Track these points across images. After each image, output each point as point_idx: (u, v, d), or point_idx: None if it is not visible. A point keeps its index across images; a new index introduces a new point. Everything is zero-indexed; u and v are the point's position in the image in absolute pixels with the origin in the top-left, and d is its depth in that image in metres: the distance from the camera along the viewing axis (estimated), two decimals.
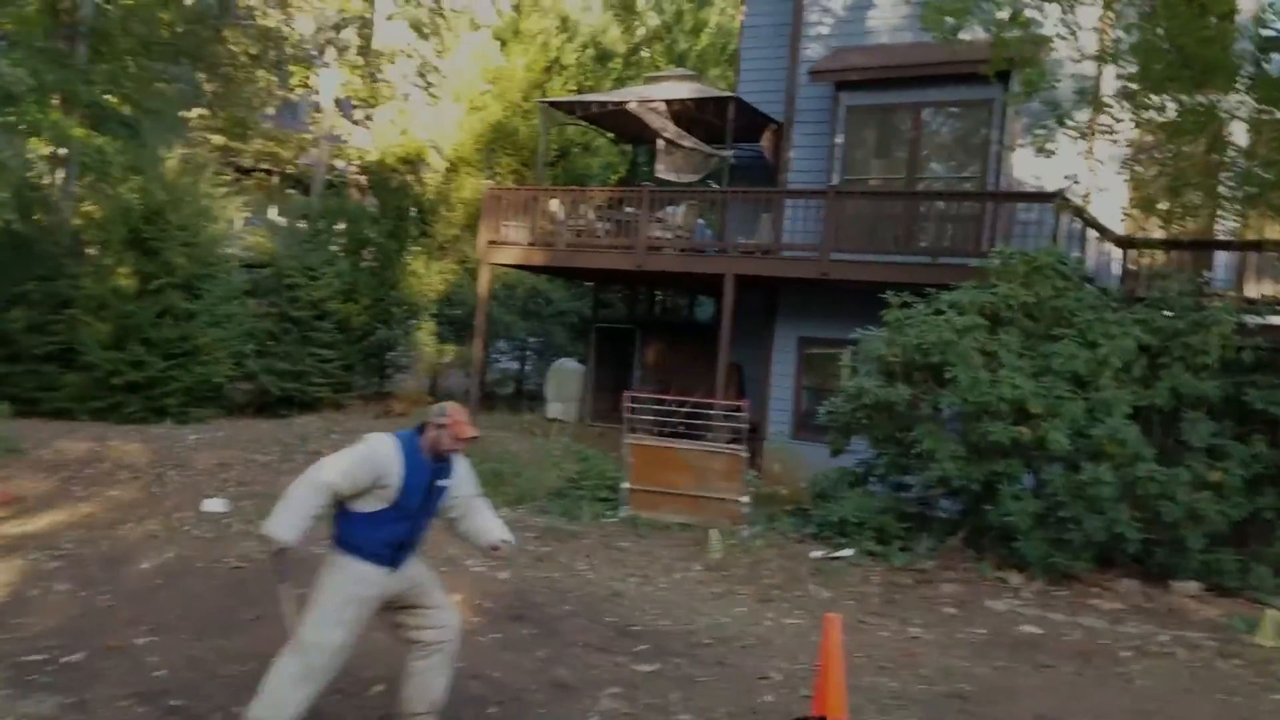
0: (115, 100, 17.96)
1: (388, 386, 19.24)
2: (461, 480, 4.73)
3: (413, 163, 21.58)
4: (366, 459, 4.38)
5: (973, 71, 11.44)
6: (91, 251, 15.99)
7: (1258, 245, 11.10)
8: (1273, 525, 8.24)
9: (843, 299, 12.99)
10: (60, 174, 16.94)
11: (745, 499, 9.89)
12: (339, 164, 24.64)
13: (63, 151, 16.60)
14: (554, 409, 17.68)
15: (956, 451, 8.78)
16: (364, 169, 22.86)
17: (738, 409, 10.91)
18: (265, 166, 25.68)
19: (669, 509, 10.12)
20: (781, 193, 13.31)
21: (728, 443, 10.81)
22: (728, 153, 14.34)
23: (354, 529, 4.44)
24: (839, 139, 13.47)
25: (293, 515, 4.30)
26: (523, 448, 14.18)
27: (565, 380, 17.99)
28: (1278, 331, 9.12)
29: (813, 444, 12.54)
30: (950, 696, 5.81)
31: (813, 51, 14.10)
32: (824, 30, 14.19)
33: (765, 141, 14.76)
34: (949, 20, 10.50)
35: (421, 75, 24.49)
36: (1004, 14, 10.63)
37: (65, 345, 14.48)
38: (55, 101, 15.83)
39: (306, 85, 24.05)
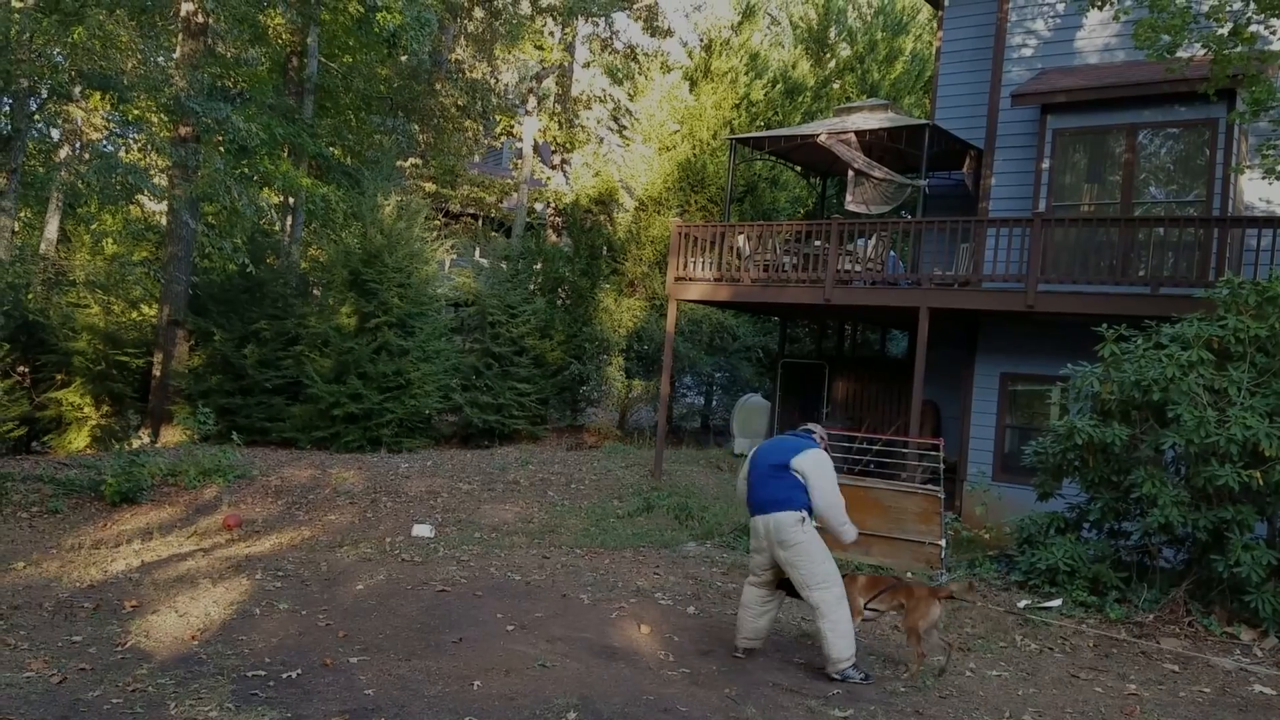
0: (338, 152, 19.50)
1: (580, 420, 19.71)
2: None
3: (605, 203, 22.21)
4: None
5: (1192, 90, 10.70)
6: (316, 292, 17.35)
7: None
8: None
9: (1050, 333, 12.33)
10: (289, 221, 18.50)
11: (943, 543, 9.49)
12: (538, 206, 25.70)
13: (291, 200, 18.16)
14: (740, 444, 17.61)
15: (1180, 496, 8.10)
16: (560, 210, 23.72)
17: (934, 448, 10.51)
18: (471, 211, 27.11)
19: (861, 550, 9.84)
20: (981, 221, 12.82)
21: (923, 483, 10.42)
22: (921, 182, 13.96)
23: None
24: (1045, 163, 12.86)
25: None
26: (709, 482, 14.19)
27: (751, 415, 17.91)
28: None
29: (1017, 486, 11.91)
30: None
31: (1015, 74, 13.58)
32: (1027, 52, 13.65)
33: (967, 168, 14.29)
34: (1164, 38, 9.89)
35: (615, 119, 25.24)
36: (1224, 30, 9.91)
37: (292, 379, 15.72)
38: (284, 154, 17.32)
39: (510, 133, 25.27)
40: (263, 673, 5.81)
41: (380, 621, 7.04)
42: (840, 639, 6.29)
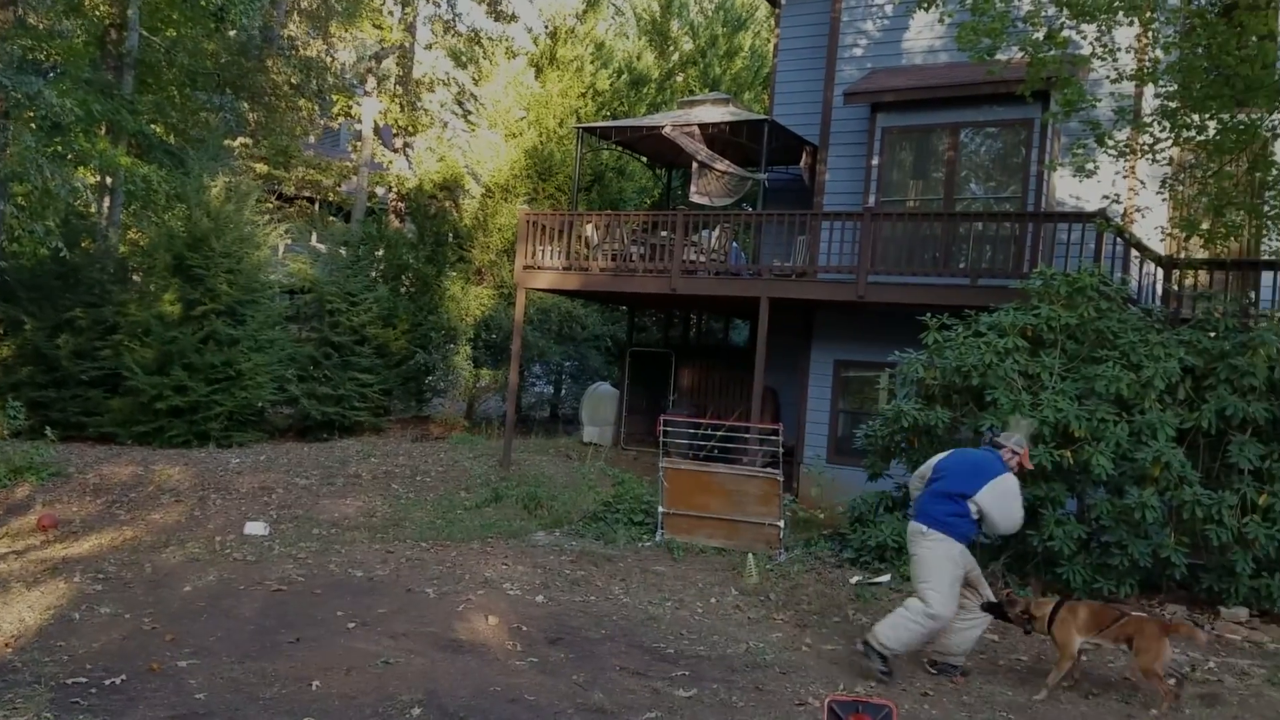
0: (160, 130, 18.37)
1: (426, 410, 19.35)
2: None
3: (450, 189, 21.80)
4: None
5: (1010, 92, 11.38)
6: (136, 278, 16.32)
7: None
8: None
9: (879, 322, 12.91)
10: (107, 202, 17.34)
11: (782, 523, 9.83)
12: (379, 191, 24.97)
13: (109, 180, 17.01)
14: (589, 433, 17.71)
15: None
16: (403, 196, 23.14)
17: (773, 433, 10.86)
18: (307, 194, 26.09)
19: (704, 533, 10.07)
20: (816, 215, 13.29)
21: (763, 467, 10.75)
22: (761, 175, 14.36)
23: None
24: (875, 160, 13.45)
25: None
26: (558, 471, 14.21)
27: (600, 404, 18.03)
28: None
29: (849, 468, 12.44)
30: None
31: (848, 73, 14.12)
32: (858, 52, 14.21)
33: (803, 164, 14.78)
34: (985, 40, 10.49)
35: (459, 103, 24.79)
36: (1040, 34, 10.60)
37: (111, 370, 14.76)
38: (102, 131, 16.20)
39: (348, 114, 24.44)
40: (84, 680, 5.48)
41: (211, 624, 6.73)
42: (902, 632, 6.28)
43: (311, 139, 25.55)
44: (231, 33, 19.57)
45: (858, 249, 12.28)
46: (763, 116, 14.72)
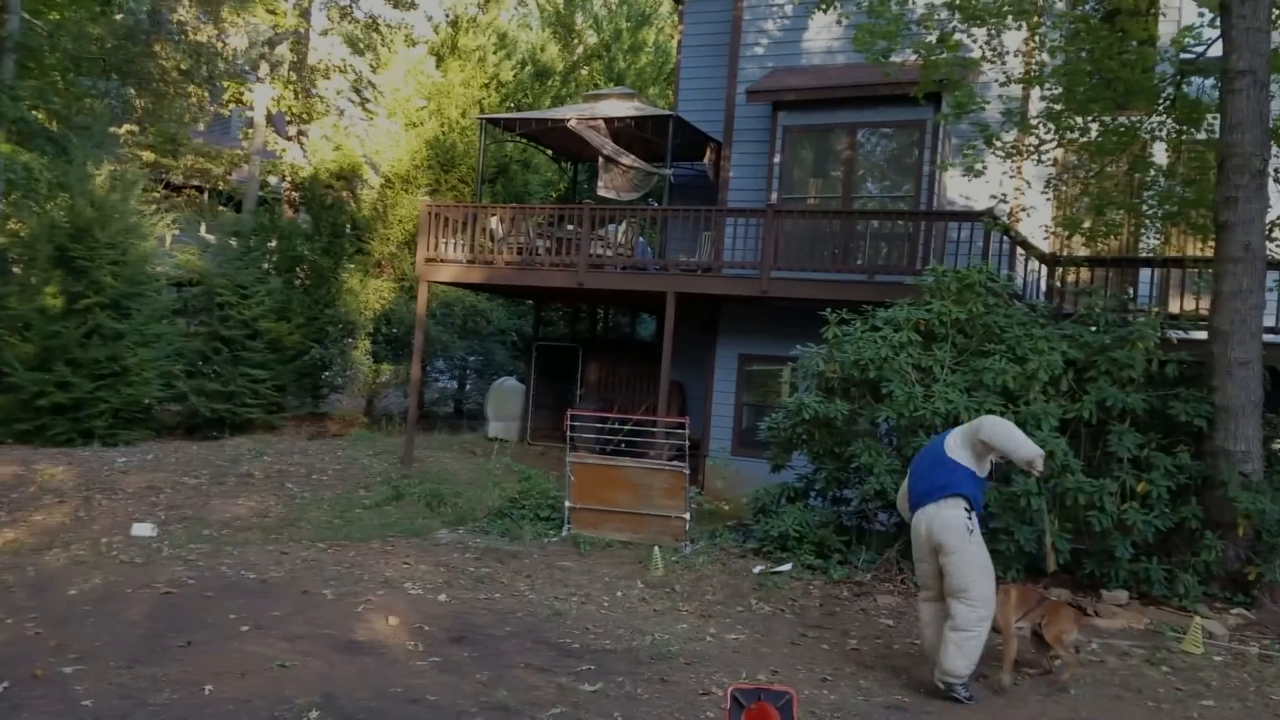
0: (43, 116, 17.49)
1: (322, 407, 18.93)
2: None
3: (348, 179, 21.32)
4: None
5: (904, 94, 11.71)
6: (16, 270, 15.52)
7: (1179, 262, 11.49)
8: (1197, 534, 8.49)
9: (782, 316, 13.13)
10: None
11: (687, 516, 9.92)
12: (272, 180, 24.25)
13: None
14: (494, 428, 17.56)
15: (892, 465, 8.92)
16: (297, 185, 22.50)
17: (680, 426, 10.95)
18: (196, 183, 25.20)
19: (611, 527, 10.10)
20: (720, 211, 13.44)
21: (670, 460, 10.84)
22: (667, 171, 14.45)
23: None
24: (777, 158, 13.66)
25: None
26: (462, 468, 14.06)
27: (506, 399, 17.89)
28: (1199, 345, 9.42)
29: (754, 460, 12.63)
30: (889, 708, 5.88)
31: (751, 71, 14.30)
32: (760, 51, 14.40)
33: (708, 160, 14.91)
34: (880, 42, 10.76)
35: (357, 90, 24.25)
36: (933, 37, 10.92)
37: None
38: None
39: (239, 101, 23.67)
40: None
41: (98, 628, 6.45)
42: (970, 650, 5.95)
43: (201, 126, 24.67)
44: (118, 16, 18.77)
45: (761, 245, 12.46)
46: (668, 112, 14.80)
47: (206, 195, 25.40)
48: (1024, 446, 5.94)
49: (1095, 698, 6.25)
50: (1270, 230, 10.03)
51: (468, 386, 22.36)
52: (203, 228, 23.78)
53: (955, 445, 6.09)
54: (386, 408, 19.76)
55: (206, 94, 22.56)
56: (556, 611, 7.53)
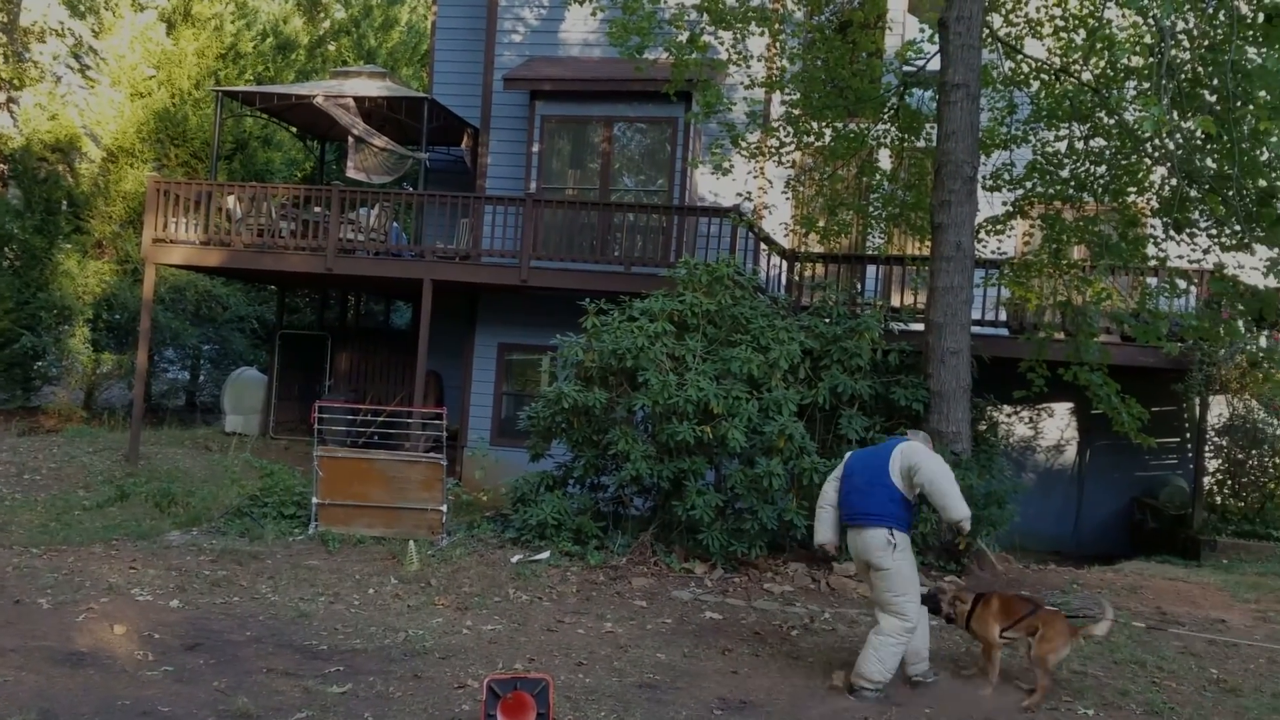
0: None
1: (35, 400, 17.12)
2: None
3: (65, 151, 19.29)
4: None
5: (657, 90, 12.04)
6: None
7: (900, 260, 12.58)
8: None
9: (542, 306, 13.17)
10: None
11: (444, 508, 9.75)
12: None
13: None
14: (233, 422, 16.47)
15: (648, 451, 9.17)
16: (6, 157, 20.11)
17: (436, 417, 10.73)
18: None
19: (363, 523, 9.75)
20: (479, 198, 13.28)
21: (426, 451, 10.60)
22: (422, 155, 14.10)
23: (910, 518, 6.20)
24: (536, 148, 13.67)
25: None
26: (196, 464, 13.14)
27: (245, 391, 16.83)
28: (917, 336, 10.37)
29: (513, 450, 12.60)
30: (641, 686, 6.04)
31: (508, 59, 14.20)
32: (518, 38, 14.34)
33: (465, 145, 14.67)
34: (634, 38, 11.00)
35: (76, 56, 21.96)
36: (684, 37, 11.30)
37: None
38: None
39: None
40: None
41: None
42: (888, 659, 5.95)
43: None
44: None
45: (521, 234, 12.44)
46: (423, 95, 14.44)
47: None
48: (958, 506, 5.91)
49: (830, 664, 6.70)
50: (978, 232, 11.16)
51: (201, 378, 20.91)
52: None
53: (895, 468, 6.04)
54: (109, 401, 18.12)
55: None
56: (302, 613, 7.18)
